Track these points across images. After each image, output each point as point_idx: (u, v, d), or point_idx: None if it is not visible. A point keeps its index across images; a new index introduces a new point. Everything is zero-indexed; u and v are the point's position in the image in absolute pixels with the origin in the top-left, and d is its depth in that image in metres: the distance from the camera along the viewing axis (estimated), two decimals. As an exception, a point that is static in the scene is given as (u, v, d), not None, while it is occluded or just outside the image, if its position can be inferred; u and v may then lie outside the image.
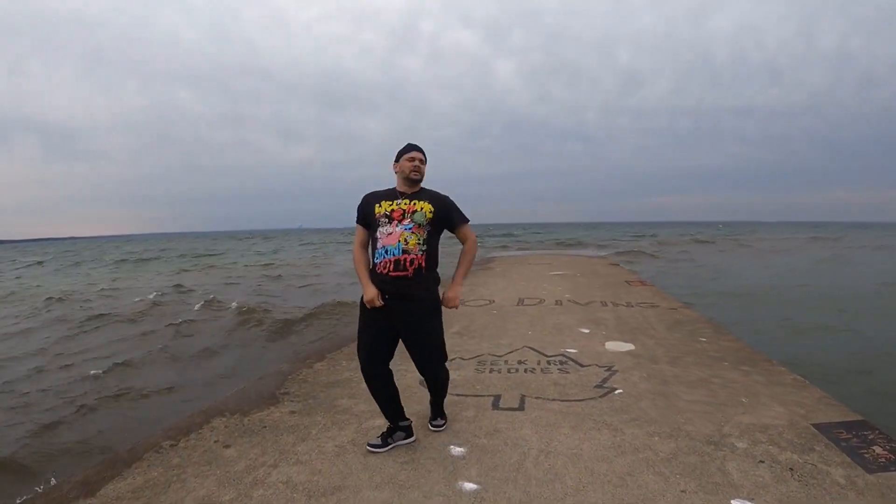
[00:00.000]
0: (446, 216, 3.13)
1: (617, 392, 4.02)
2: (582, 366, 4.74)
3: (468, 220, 3.21)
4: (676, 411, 3.63)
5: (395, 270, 2.98)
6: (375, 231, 3.07)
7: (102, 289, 20.24)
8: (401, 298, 3.01)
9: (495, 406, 3.83)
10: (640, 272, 15.84)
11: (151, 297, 15.96)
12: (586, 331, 6.25)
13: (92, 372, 7.80)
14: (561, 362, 4.87)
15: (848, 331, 9.88)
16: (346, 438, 3.38)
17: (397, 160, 3.14)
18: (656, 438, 3.22)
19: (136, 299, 15.84)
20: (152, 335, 10.57)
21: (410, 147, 3.13)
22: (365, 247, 3.19)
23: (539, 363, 4.85)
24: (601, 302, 8.44)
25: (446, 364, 3.35)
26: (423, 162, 3.13)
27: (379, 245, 3.04)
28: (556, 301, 8.64)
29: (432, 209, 3.06)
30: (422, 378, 3.46)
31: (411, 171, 3.08)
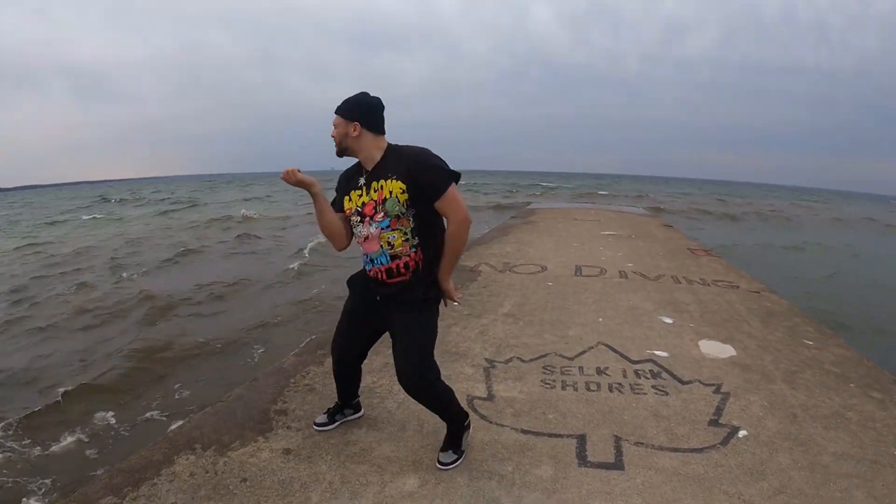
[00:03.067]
0: (423, 184, 2.38)
1: (741, 435, 3.19)
2: (682, 382, 3.89)
3: (456, 180, 2.43)
4: (826, 476, 2.81)
5: (389, 278, 2.52)
6: (351, 231, 2.62)
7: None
8: (399, 306, 2.56)
9: (581, 457, 2.94)
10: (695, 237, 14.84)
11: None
12: (669, 321, 5.40)
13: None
14: (653, 373, 4.03)
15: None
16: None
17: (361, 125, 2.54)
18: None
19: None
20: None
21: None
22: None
23: (625, 374, 4.00)
24: (672, 277, 7.55)
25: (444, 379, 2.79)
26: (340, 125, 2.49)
27: (360, 251, 2.59)
28: (620, 272, 7.76)
29: (403, 186, 2.37)
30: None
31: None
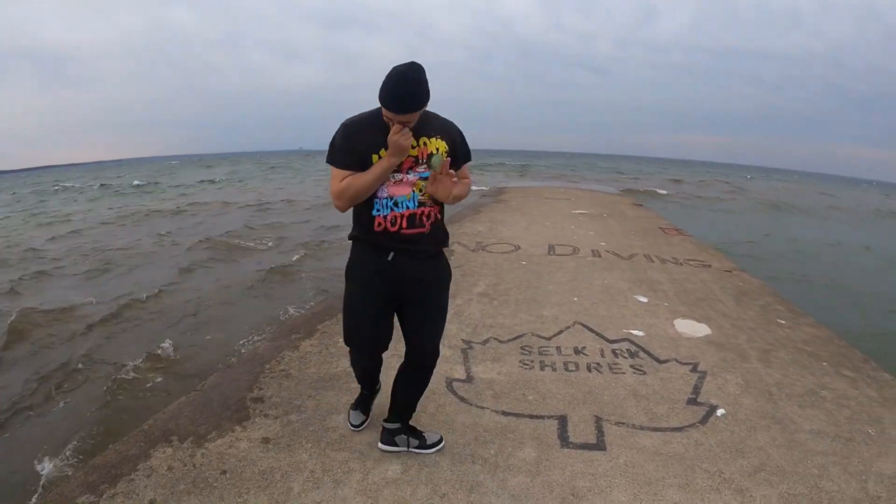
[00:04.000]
0: (458, 149, 2.48)
1: (720, 413, 3.23)
2: (659, 361, 3.92)
3: (470, 159, 2.61)
4: (803, 453, 2.87)
5: (409, 227, 2.36)
6: None
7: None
8: (412, 256, 2.40)
9: (563, 438, 2.93)
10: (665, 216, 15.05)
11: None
12: (643, 299, 5.45)
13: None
14: (630, 353, 4.05)
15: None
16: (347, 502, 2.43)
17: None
18: (798, 509, 2.46)
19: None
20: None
21: (396, 85, 2.13)
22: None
23: (603, 354, 4.02)
24: (645, 256, 7.61)
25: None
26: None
27: (382, 194, 2.34)
28: (593, 251, 7.80)
29: (447, 147, 2.39)
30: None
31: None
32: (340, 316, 4.53)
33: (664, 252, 8.04)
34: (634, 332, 4.50)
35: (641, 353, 4.05)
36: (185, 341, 6.12)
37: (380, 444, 2.78)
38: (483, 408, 3.23)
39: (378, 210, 2.33)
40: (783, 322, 5.03)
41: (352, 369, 3.02)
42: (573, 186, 22.16)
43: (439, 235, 2.48)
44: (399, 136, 2.18)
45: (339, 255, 9.86)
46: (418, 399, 2.77)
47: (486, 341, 4.20)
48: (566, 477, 2.61)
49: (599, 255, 7.57)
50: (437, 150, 2.34)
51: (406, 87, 2.11)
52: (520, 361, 3.85)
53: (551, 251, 7.76)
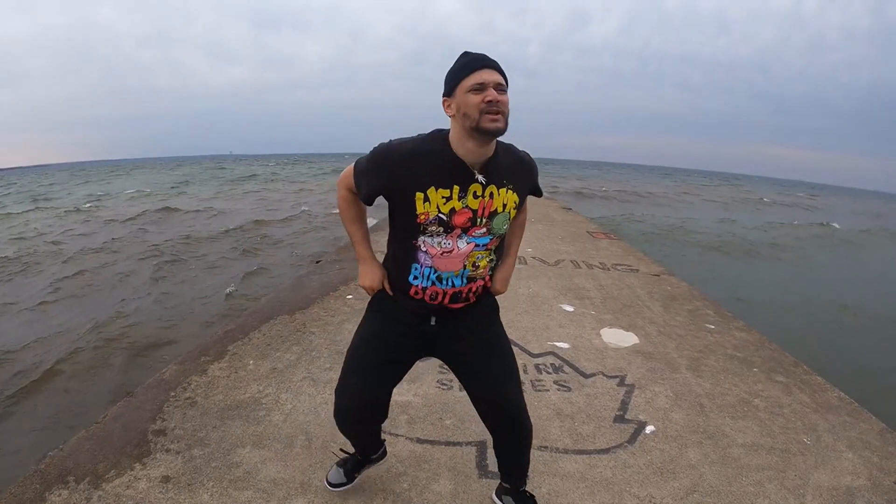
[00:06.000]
0: (527, 196, 1.98)
1: (649, 430, 3.06)
2: (585, 376, 3.74)
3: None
4: (738, 469, 2.74)
5: (452, 302, 1.92)
6: (411, 235, 1.84)
7: None
8: (453, 316, 1.97)
9: (481, 467, 2.68)
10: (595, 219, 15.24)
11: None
12: (569, 308, 5.30)
13: None
14: (555, 367, 3.85)
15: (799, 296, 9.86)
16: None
17: (449, 92, 1.72)
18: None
19: None
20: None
21: (476, 61, 1.68)
22: (357, 201, 1.96)
23: (525, 370, 3.78)
24: (572, 262, 7.55)
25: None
26: (506, 89, 1.70)
27: (422, 261, 1.85)
28: (519, 258, 7.65)
29: (517, 201, 1.85)
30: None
31: (487, 118, 1.64)
32: (254, 335, 4.24)
33: (592, 257, 8.01)
34: (559, 344, 4.31)
35: (566, 368, 3.86)
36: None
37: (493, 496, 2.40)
38: (397, 435, 2.96)
39: (416, 279, 1.89)
40: (712, 327, 4.98)
41: (268, 392, 2.64)
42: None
43: (490, 299, 2.09)
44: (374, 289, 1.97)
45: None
46: (523, 459, 2.25)
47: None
48: (484, 515, 2.37)
49: (525, 262, 7.44)
50: (504, 205, 1.82)
51: (478, 54, 1.71)
52: (437, 381, 3.59)
53: (475, 259, 7.57)
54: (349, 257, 7.37)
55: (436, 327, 1.97)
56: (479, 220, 1.78)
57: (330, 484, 2.43)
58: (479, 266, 1.88)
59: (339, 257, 7.53)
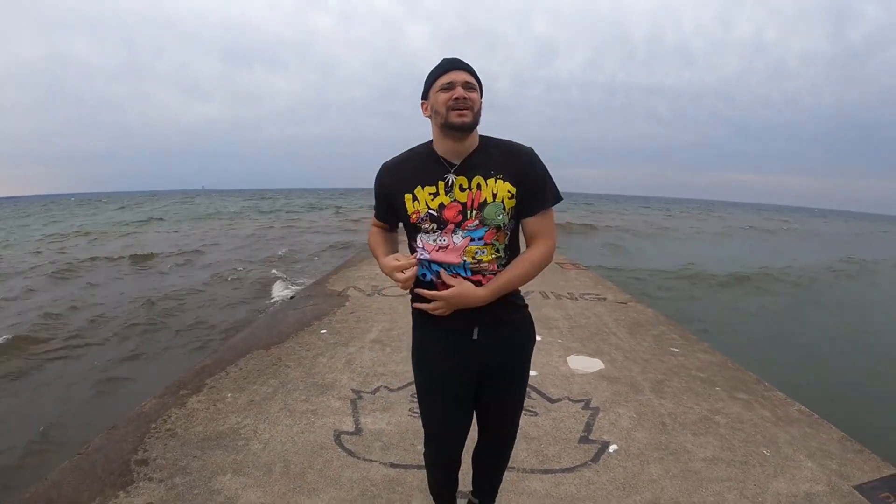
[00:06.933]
0: (531, 192, 1.90)
1: (612, 449, 3.17)
2: (551, 401, 3.85)
3: (560, 199, 1.97)
4: (698, 482, 2.85)
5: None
6: (411, 236, 1.95)
7: None
8: (496, 325, 1.96)
9: (451, 489, 2.82)
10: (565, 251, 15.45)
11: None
12: (538, 338, 5.40)
13: None
14: (521, 394, 3.97)
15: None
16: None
17: (425, 94, 1.86)
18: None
19: None
20: None
21: (446, 63, 1.82)
22: (380, 231, 2.10)
23: (493, 397, 3.90)
24: (540, 293, 7.68)
25: None
26: (475, 88, 1.82)
27: (422, 255, 1.91)
28: (488, 292, 7.79)
29: (512, 191, 1.85)
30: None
31: (454, 114, 1.77)
32: (231, 369, 4.30)
33: (560, 287, 8.17)
34: (527, 371, 4.42)
35: (533, 394, 3.96)
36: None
37: None
38: (371, 461, 3.05)
39: (425, 276, 1.94)
40: (677, 350, 5.14)
41: (246, 423, 2.67)
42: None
43: (529, 327, 2.11)
44: (397, 272, 1.85)
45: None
46: (499, 479, 2.42)
47: (376, 390, 4.00)
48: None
49: (494, 296, 7.54)
50: (494, 195, 1.84)
51: (453, 58, 1.83)
52: (409, 410, 3.67)
53: (445, 294, 7.67)
54: (322, 293, 7.46)
55: (479, 340, 1.96)
56: (469, 212, 1.83)
57: None
58: (481, 260, 1.87)
59: (312, 293, 7.60)
